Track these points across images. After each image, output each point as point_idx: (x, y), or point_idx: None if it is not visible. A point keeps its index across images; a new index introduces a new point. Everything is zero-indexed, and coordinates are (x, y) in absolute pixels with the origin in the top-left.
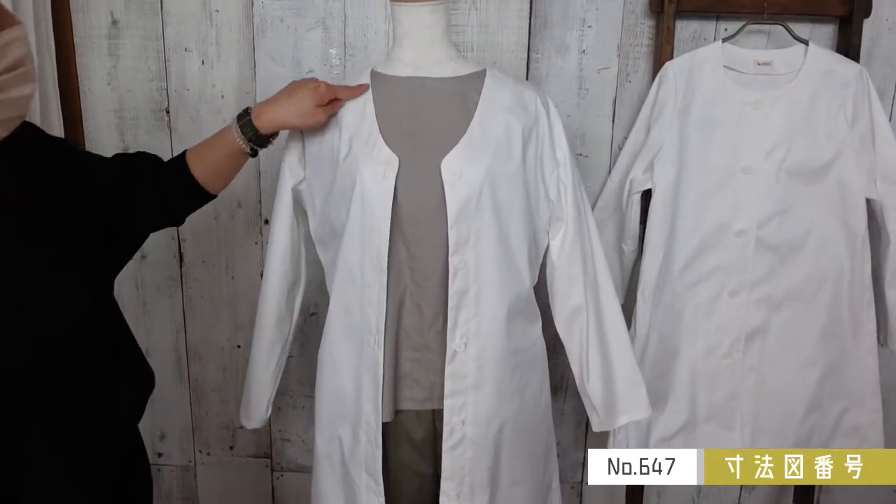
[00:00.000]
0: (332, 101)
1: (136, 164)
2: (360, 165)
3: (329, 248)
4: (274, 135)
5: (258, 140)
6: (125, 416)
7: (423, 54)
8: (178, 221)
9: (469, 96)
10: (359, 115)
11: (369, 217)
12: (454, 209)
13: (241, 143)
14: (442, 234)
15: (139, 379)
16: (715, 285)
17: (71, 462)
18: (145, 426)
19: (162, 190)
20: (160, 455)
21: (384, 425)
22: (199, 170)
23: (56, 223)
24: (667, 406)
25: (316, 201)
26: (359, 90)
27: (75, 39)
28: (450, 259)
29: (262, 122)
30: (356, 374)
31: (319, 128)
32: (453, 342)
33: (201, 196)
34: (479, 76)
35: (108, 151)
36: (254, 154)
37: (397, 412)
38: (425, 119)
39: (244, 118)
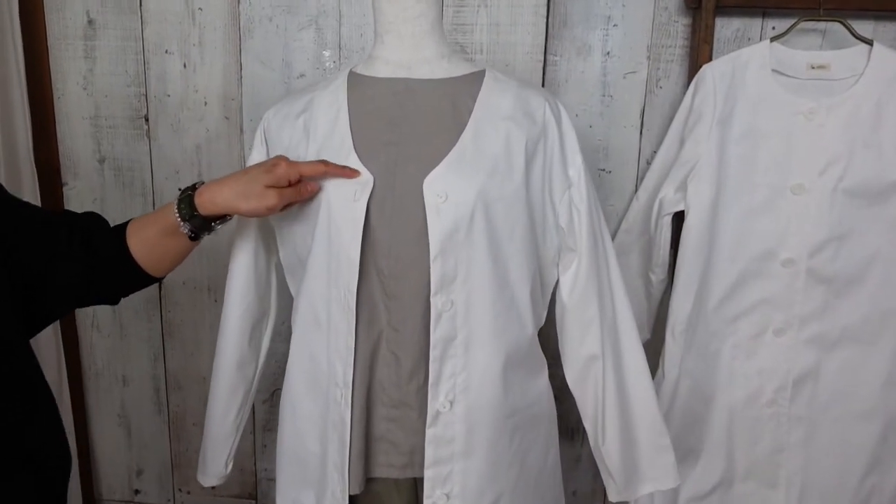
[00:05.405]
0: (297, 182)
1: (70, 228)
2: (327, 183)
3: (297, 279)
4: (221, 218)
5: (196, 221)
6: None
7: (408, 51)
8: (113, 301)
9: (462, 101)
10: (330, 123)
11: (336, 246)
12: (438, 238)
13: (178, 221)
14: (424, 268)
15: (44, 473)
16: (758, 322)
17: None
18: (122, 460)
19: (93, 266)
20: (137, 492)
21: (356, 497)
22: (137, 246)
23: None
24: (699, 461)
25: (282, 223)
26: (343, 172)
27: (48, 40)
28: (432, 299)
29: (202, 201)
30: (321, 434)
31: (271, 213)
32: (436, 400)
33: (140, 278)
34: (477, 78)
35: (84, 161)
36: (194, 238)
37: (372, 480)
38: (408, 128)
39: (186, 192)
